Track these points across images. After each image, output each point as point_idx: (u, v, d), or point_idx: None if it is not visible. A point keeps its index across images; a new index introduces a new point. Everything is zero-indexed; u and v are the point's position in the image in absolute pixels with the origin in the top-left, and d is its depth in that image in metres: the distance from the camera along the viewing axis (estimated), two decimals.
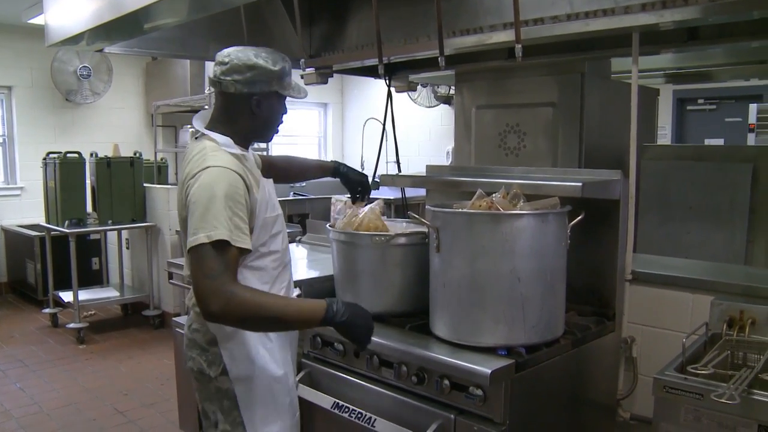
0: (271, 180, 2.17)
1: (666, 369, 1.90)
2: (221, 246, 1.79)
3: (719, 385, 1.72)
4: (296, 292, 2.32)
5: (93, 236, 7.12)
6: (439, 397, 2.04)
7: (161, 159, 7.23)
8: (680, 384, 1.80)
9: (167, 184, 7.04)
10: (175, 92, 7.36)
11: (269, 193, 2.08)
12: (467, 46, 2.81)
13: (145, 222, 6.37)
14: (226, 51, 1.99)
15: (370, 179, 2.71)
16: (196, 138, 2.07)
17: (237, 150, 1.98)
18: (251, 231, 1.93)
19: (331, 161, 2.73)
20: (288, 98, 2.10)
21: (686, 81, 5.38)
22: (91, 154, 6.23)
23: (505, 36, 2.64)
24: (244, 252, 1.87)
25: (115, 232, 6.74)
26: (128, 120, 8.29)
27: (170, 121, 8.29)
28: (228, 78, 1.96)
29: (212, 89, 2.05)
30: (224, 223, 1.80)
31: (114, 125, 8.15)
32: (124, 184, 6.26)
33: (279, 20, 3.70)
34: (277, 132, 2.16)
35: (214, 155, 1.92)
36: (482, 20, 2.73)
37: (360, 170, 2.70)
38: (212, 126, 2.05)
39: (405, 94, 6.24)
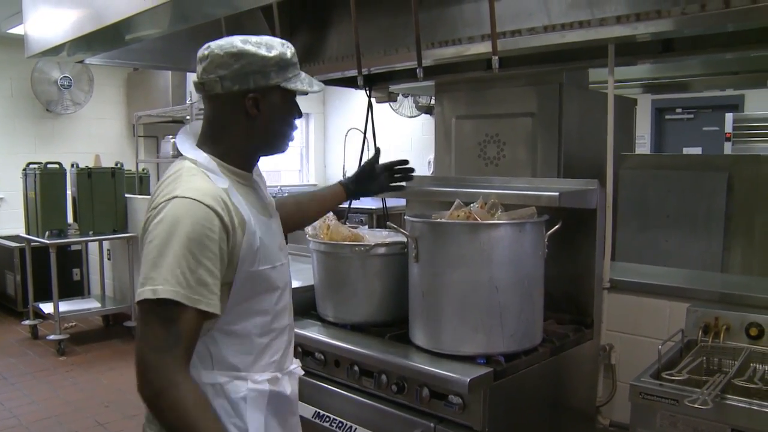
0: (272, 222, 1.71)
1: (642, 375, 1.92)
2: (172, 308, 1.38)
3: (694, 391, 1.74)
4: (294, 365, 1.77)
5: (74, 247, 7.07)
6: (419, 406, 2.05)
7: (143, 169, 7.22)
8: (656, 390, 1.82)
9: (149, 194, 7.01)
10: (156, 103, 7.36)
11: (264, 238, 1.59)
12: (446, 58, 2.84)
13: (127, 233, 6.35)
14: (205, 45, 1.60)
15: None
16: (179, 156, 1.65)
17: (221, 179, 1.54)
18: (229, 286, 1.51)
19: (336, 184, 2.31)
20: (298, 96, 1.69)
21: (663, 91, 5.46)
22: (72, 165, 6.20)
23: (483, 47, 2.67)
24: (210, 316, 1.45)
25: (97, 242, 6.71)
26: (109, 130, 8.26)
27: (152, 131, 8.27)
28: (211, 75, 1.54)
29: (198, 98, 1.62)
30: (180, 276, 1.38)
31: (95, 136, 8.11)
32: (105, 194, 6.24)
33: (260, 31, 3.69)
34: (290, 141, 1.71)
35: (188, 180, 1.50)
36: (461, 32, 2.76)
37: (359, 167, 2.36)
38: (202, 142, 1.63)
39: (387, 104, 6.27)
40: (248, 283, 1.55)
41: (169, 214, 1.43)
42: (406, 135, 8.75)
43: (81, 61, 3.85)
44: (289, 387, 1.70)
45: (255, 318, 1.60)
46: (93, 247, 6.98)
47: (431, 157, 8.13)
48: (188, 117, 6.42)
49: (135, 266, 6.33)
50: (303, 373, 1.82)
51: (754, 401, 1.71)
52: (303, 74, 1.64)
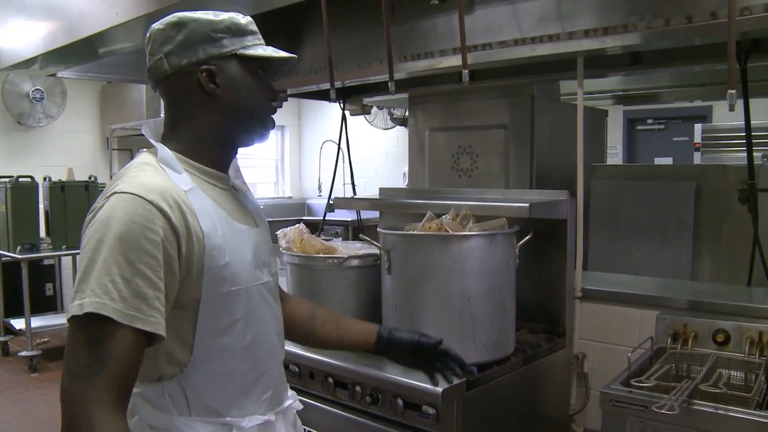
0: (263, 230, 1.47)
1: (612, 383, 1.95)
2: (100, 325, 1.12)
3: (662, 397, 1.77)
4: (290, 400, 1.54)
5: (46, 261, 6.98)
6: (393, 417, 2.06)
7: None
8: (625, 397, 1.85)
9: None
10: (130, 115, 7.31)
11: (237, 251, 1.32)
12: (419, 71, 2.87)
13: None
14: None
15: (325, 202, 2.59)
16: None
17: (184, 179, 1.29)
18: (195, 309, 1.26)
19: (376, 325, 1.77)
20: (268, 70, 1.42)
21: (634, 102, 5.56)
22: (45, 178, 6.14)
23: (455, 60, 2.70)
24: (154, 339, 1.18)
25: (70, 257, 6.63)
26: (83, 143, 8.19)
27: (126, 144, 8.21)
28: (157, 56, 1.32)
29: (154, 90, 1.35)
30: (109, 285, 1.12)
31: (68, 149, 8.03)
32: (78, 208, 6.17)
33: None
34: (267, 125, 1.43)
35: (133, 175, 1.25)
36: (433, 45, 2.80)
37: (411, 331, 1.78)
38: (165, 137, 1.39)
39: (362, 116, 6.29)
40: (221, 306, 1.29)
41: (104, 214, 1.18)
42: (381, 147, 8.78)
43: (53, 75, 3.82)
44: (283, 430, 1.45)
45: (236, 348, 1.32)
46: (66, 261, 6.89)
47: (406, 168, 8.17)
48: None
49: None
50: (301, 407, 1.59)
51: (720, 406, 1.75)
52: (265, 45, 1.40)
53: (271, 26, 3.59)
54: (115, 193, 1.21)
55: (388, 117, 7.58)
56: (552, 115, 3.30)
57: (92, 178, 6.37)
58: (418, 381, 1.98)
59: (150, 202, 1.19)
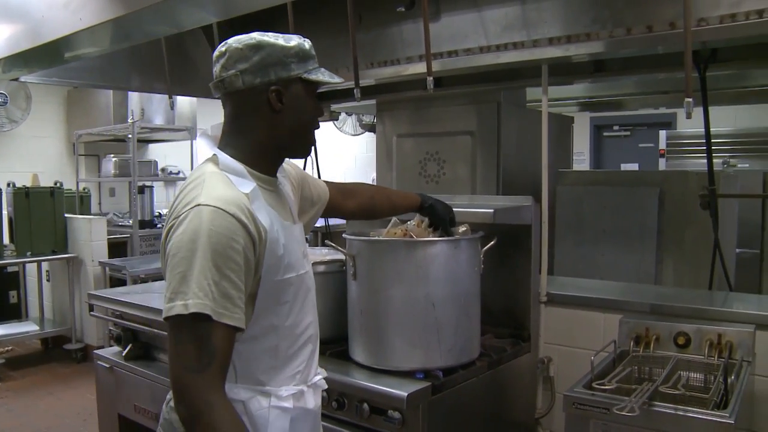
0: (296, 227, 1.65)
1: (575, 386, 1.98)
2: (204, 323, 1.33)
3: (623, 399, 1.80)
4: (318, 377, 1.71)
5: (10, 269, 6.85)
6: (360, 422, 2.07)
7: (83, 189, 7.06)
8: (587, 399, 1.88)
9: (90, 214, 6.88)
10: (97, 121, 7.21)
11: (287, 245, 1.54)
12: (385, 77, 2.89)
13: (67, 253, 6.19)
14: (222, 42, 1.55)
15: None
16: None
17: (246, 182, 1.49)
18: (254, 297, 1.47)
19: (414, 194, 2.22)
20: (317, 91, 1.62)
21: (600, 109, 5.64)
22: (8, 184, 6.04)
23: (421, 67, 2.73)
24: (237, 330, 1.40)
25: (35, 264, 6.52)
26: (48, 149, 8.06)
27: (93, 150, 8.10)
28: (231, 71, 1.50)
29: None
30: (207, 288, 1.33)
31: (33, 154, 7.89)
32: (43, 214, 6.08)
33: (201, 50, 3.71)
34: (312, 141, 1.64)
35: (210, 187, 1.43)
36: (399, 52, 2.82)
37: (442, 201, 2.24)
38: (223, 145, 1.56)
39: (330, 122, 6.30)
40: (273, 292, 1.50)
41: (191, 224, 1.37)
42: (351, 153, 8.80)
43: (15, 79, 3.76)
44: (312, 401, 1.65)
45: (281, 327, 1.54)
46: (31, 268, 6.78)
47: (375, 175, 8.20)
48: (130, 136, 6.32)
49: (75, 287, 6.18)
50: (326, 386, 1.77)
51: (680, 407, 1.78)
52: (322, 68, 1.58)
53: (238, 32, 3.59)
54: (199, 204, 1.38)
55: (357, 123, 7.59)
56: (518, 122, 3.34)
57: (58, 184, 6.27)
58: (384, 386, 1.99)
59: (232, 215, 1.38)
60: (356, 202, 2.05)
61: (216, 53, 1.53)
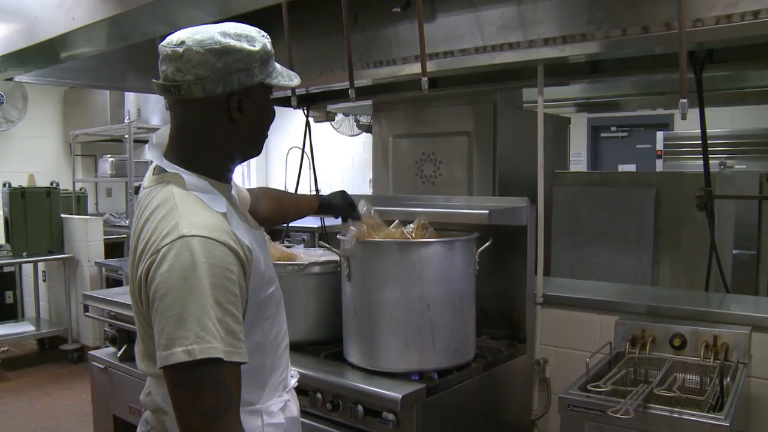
0: (258, 232, 1.54)
1: (570, 388, 1.97)
2: (214, 367, 1.19)
3: (618, 401, 1.79)
4: (293, 379, 1.68)
5: (6, 269, 6.83)
6: (354, 423, 2.06)
7: (80, 189, 7.05)
8: (582, 402, 1.87)
9: (86, 214, 6.87)
10: (94, 121, 7.21)
11: (265, 259, 1.46)
12: (381, 78, 2.88)
13: (63, 254, 6.18)
14: (174, 37, 1.35)
15: None
16: (154, 174, 1.44)
17: (218, 198, 1.37)
18: (243, 311, 1.35)
19: (312, 195, 2.18)
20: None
21: (597, 110, 5.64)
22: (4, 184, 6.03)
23: (417, 68, 2.70)
24: (242, 364, 1.27)
25: (31, 264, 6.51)
26: (45, 149, 8.05)
27: (89, 150, 8.10)
28: (188, 77, 1.32)
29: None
30: (212, 328, 1.19)
31: (29, 154, 7.89)
32: (40, 215, 6.07)
33: None
34: (264, 142, 1.53)
35: (188, 214, 1.29)
36: (395, 53, 2.81)
37: (340, 190, 2.21)
38: (173, 154, 1.41)
39: (328, 123, 6.28)
40: (258, 310, 1.42)
41: (180, 259, 1.22)
42: (348, 154, 8.77)
43: (10, 79, 3.75)
44: (295, 408, 1.61)
45: (266, 344, 1.47)
46: (27, 268, 6.76)
47: (371, 176, 8.18)
48: (126, 136, 6.31)
49: (71, 287, 6.17)
50: (297, 384, 1.71)
51: (675, 409, 1.77)
52: (278, 66, 1.45)
53: None
54: (184, 236, 1.24)
55: (354, 124, 7.58)
56: (514, 123, 3.33)
57: (54, 184, 6.26)
58: (378, 387, 1.98)
59: (222, 243, 1.26)
60: (266, 207, 1.91)
61: (168, 51, 1.34)
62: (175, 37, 1.35)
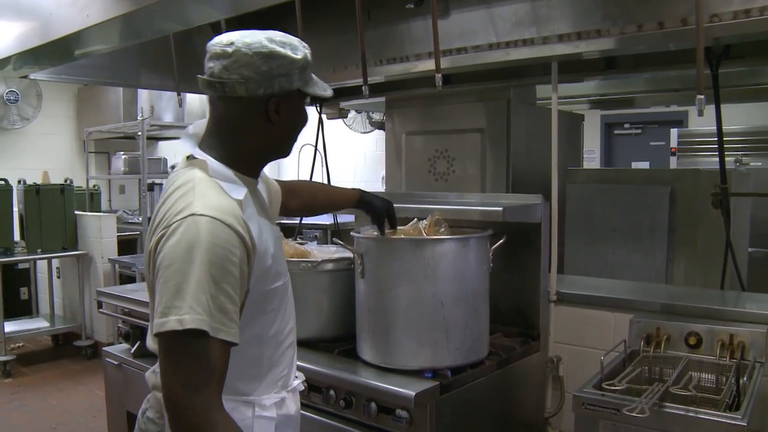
0: (276, 228, 1.61)
1: (585, 386, 1.96)
2: (201, 339, 1.26)
3: (633, 400, 1.78)
4: (297, 381, 1.68)
5: (21, 265, 6.88)
6: (367, 421, 2.06)
7: (93, 186, 7.09)
8: (597, 400, 1.86)
9: (100, 211, 6.90)
10: (107, 118, 7.24)
11: (275, 253, 1.51)
12: (394, 74, 2.88)
13: (77, 250, 6.22)
14: (224, 37, 1.44)
15: None
16: (187, 161, 1.53)
17: (238, 188, 1.44)
18: (242, 307, 1.40)
19: (353, 189, 2.19)
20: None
21: (610, 107, 5.60)
22: (19, 181, 6.07)
23: (430, 64, 2.71)
24: (230, 345, 1.33)
25: (45, 261, 6.55)
26: (59, 146, 8.09)
27: (103, 147, 8.13)
28: (233, 76, 1.41)
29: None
30: (205, 303, 1.26)
31: (44, 151, 7.93)
32: (54, 211, 6.10)
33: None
34: (294, 143, 1.62)
35: (202, 195, 1.37)
36: (408, 49, 2.80)
37: (388, 198, 2.22)
38: (207, 145, 1.50)
39: (340, 120, 6.28)
40: (260, 302, 1.47)
41: (187, 235, 1.30)
42: (360, 151, 8.77)
43: (25, 77, 3.77)
44: (293, 406, 1.63)
45: (265, 337, 1.52)
46: (42, 265, 6.81)
47: (384, 173, 8.17)
48: (139, 133, 6.33)
49: (85, 284, 6.21)
50: (303, 388, 1.74)
51: (690, 408, 1.76)
52: (314, 76, 1.54)
53: (246, 28, 3.59)
54: (193, 214, 1.32)
55: (367, 121, 7.58)
56: (528, 120, 3.31)
57: (68, 181, 6.30)
58: (392, 385, 1.98)
59: (229, 226, 1.33)
60: (299, 201, 2.00)
61: (218, 50, 1.43)
62: (224, 38, 1.44)
